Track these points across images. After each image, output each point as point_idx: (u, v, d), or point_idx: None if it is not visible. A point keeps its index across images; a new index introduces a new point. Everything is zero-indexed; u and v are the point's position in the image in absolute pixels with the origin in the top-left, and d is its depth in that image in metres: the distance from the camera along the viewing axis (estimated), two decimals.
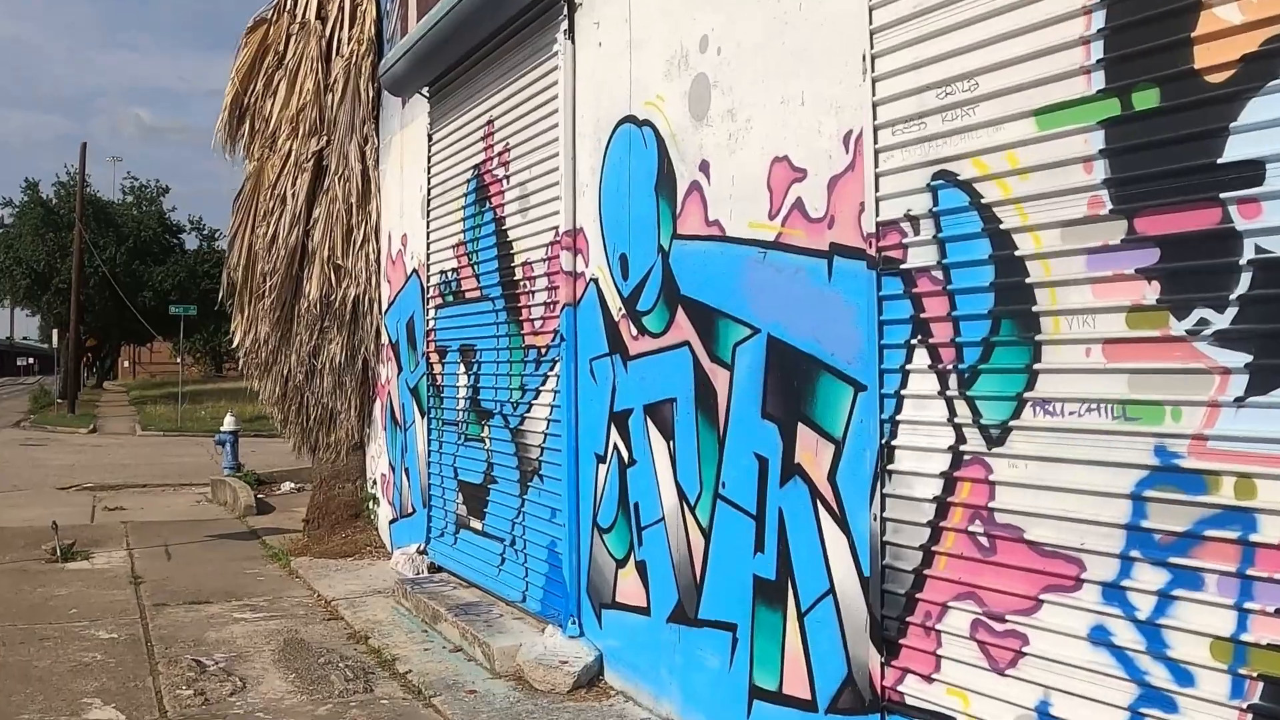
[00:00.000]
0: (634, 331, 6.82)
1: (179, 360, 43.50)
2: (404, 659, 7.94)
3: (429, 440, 10.27)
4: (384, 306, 11.90)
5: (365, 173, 11.90)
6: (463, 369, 9.56)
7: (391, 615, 9.25)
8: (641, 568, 6.81)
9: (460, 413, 9.61)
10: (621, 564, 7.05)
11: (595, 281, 7.31)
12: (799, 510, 5.36)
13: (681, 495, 6.38)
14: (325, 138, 12.07)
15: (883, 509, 4.89)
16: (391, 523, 11.76)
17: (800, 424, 5.40)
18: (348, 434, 12.33)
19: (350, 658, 8.02)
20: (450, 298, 9.84)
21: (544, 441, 8.02)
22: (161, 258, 58.23)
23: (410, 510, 11.11)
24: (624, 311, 6.94)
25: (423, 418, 10.66)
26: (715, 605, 6.07)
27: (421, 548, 10.36)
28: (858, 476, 4.97)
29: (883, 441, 4.88)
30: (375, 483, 12.29)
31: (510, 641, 7.63)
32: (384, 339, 11.90)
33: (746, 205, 5.78)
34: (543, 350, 8.04)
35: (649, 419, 6.68)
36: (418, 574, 10.21)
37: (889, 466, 4.87)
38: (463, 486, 9.61)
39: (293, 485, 17.80)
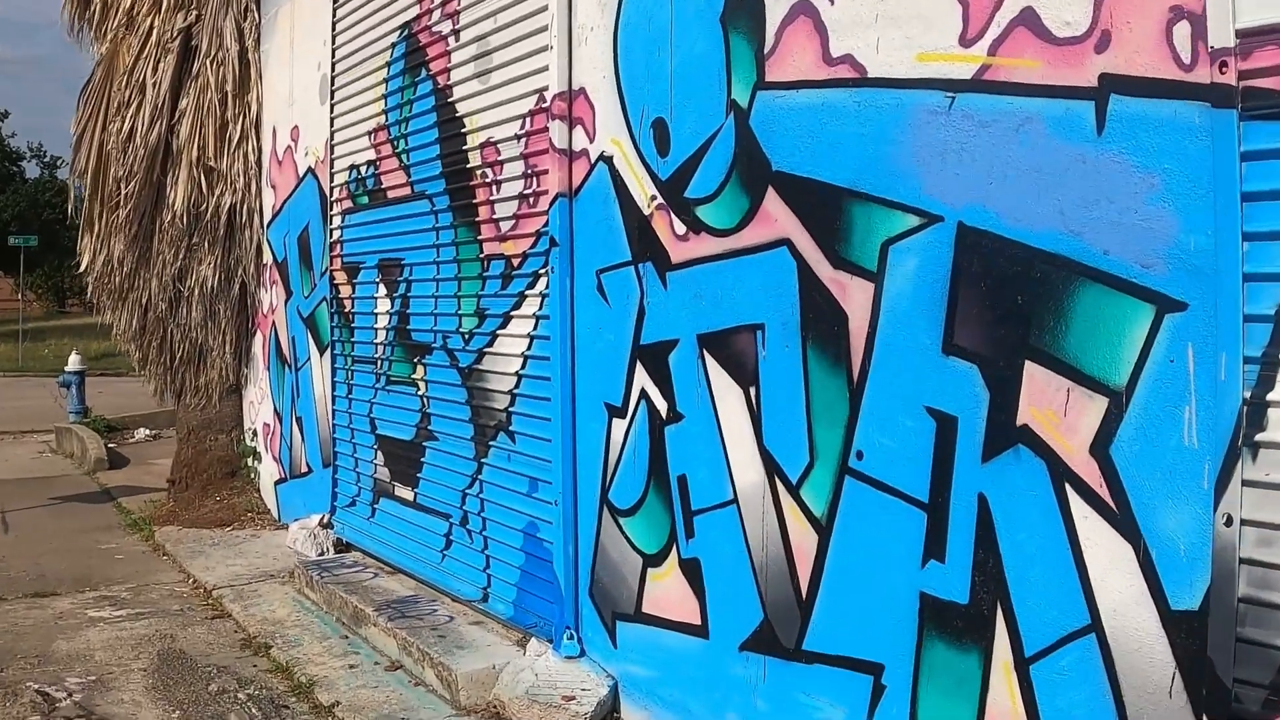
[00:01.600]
0: (679, 229, 4.51)
1: (19, 296, 39.30)
2: (325, 682, 5.55)
3: (333, 382, 7.82)
4: (267, 218, 9.22)
5: (244, 54, 9.21)
6: (383, 291, 7.05)
7: (295, 612, 6.78)
8: (691, 569, 4.53)
9: (380, 348, 7.12)
10: (654, 561, 4.76)
11: (607, 161, 4.95)
12: (1023, 499, 3.33)
13: (772, 468, 4.14)
14: (194, 12, 9.29)
15: (1241, 506, 2.69)
16: (279, 483, 9.16)
17: (1029, 363, 3.27)
18: (221, 375, 9.69)
19: (251, 680, 5.59)
20: (364, 200, 7.32)
21: (517, 387, 5.64)
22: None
23: (305, 469, 8.55)
24: (660, 201, 4.60)
25: (322, 354, 8.08)
26: (837, 633, 3.93)
27: (325, 519, 7.84)
28: (1161, 449, 2.97)
29: (1247, 395, 2.64)
30: (256, 434, 9.65)
31: (479, 663, 5.28)
32: (267, 258, 9.26)
33: (912, 27, 3.65)
34: (514, 262, 5.63)
35: (708, 355, 4.41)
36: (322, 553, 7.73)
37: (1258, 436, 2.62)
38: (384, 443, 7.13)
39: (148, 432, 15.03)
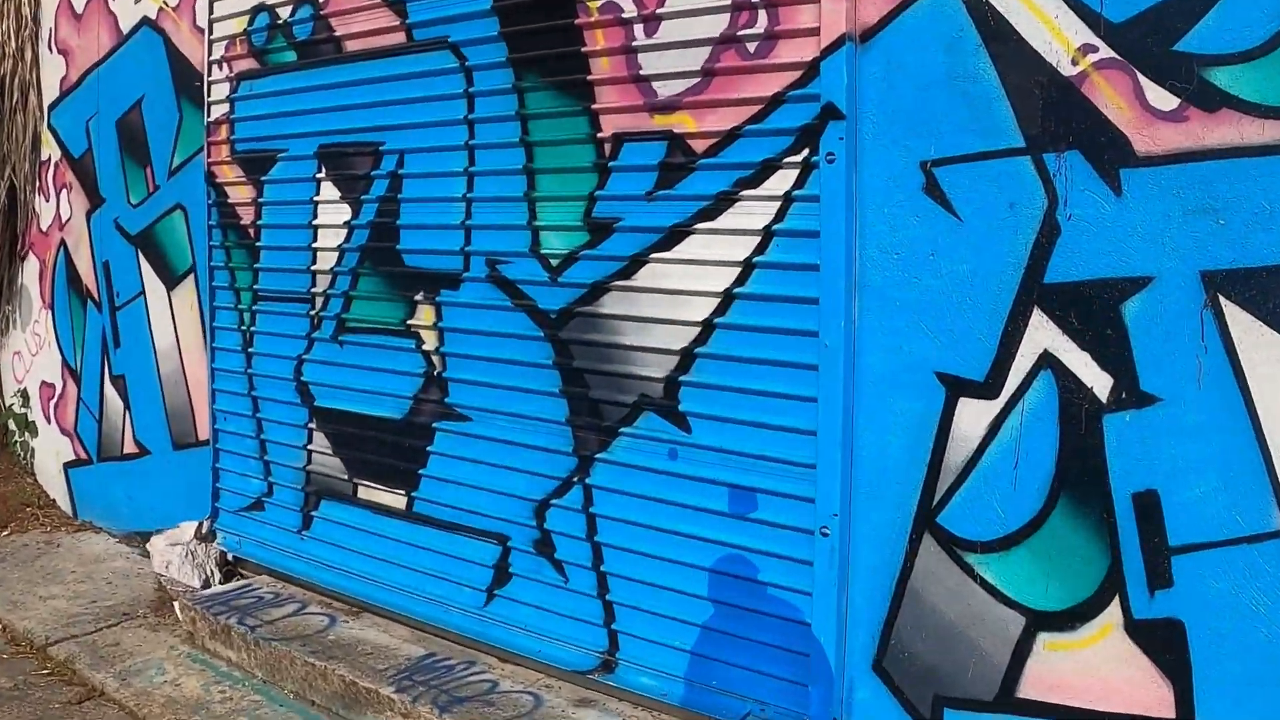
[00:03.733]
0: (1160, 102, 2.54)
1: None
2: None
3: (210, 328, 5.06)
4: (50, 96, 5.90)
5: None
6: (332, 192, 4.34)
7: (215, 684, 4.19)
8: (1157, 635, 2.53)
9: (325, 278, 4.33)
10: (1058, 622, 2.71)
11: None
12: None
13: None
14: None
15: None
16: (73, 466, 6.02)
17: None
18: None
19: None
20: (288, 57, 4.63)
21: (701, 343, 3.26)
22: None
23: (133, 450, 5.50)
24: (1109, 55, 2.51)
25: (174, 285, 5.11)
26: None
27: (205, 528, 4.88)
28: None
29: None
30: (27, 396, 6.34)
31: None
32: (51, 154, 5.95)
33: None
34: (698, 145, 3.27)
35: (1228, 306, 2.41)
36: (207, 580, 4.79)
37: None
38: (332, 421, 4.44)
39: None
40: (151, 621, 4.83)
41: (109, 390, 5.77)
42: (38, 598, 5.07)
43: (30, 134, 6.13)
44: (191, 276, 5.17)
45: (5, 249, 6.33)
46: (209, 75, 4.92)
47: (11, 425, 6.49)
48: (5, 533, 6.01)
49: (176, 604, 4.72)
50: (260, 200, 4.73)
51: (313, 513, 4.65)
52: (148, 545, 5.13)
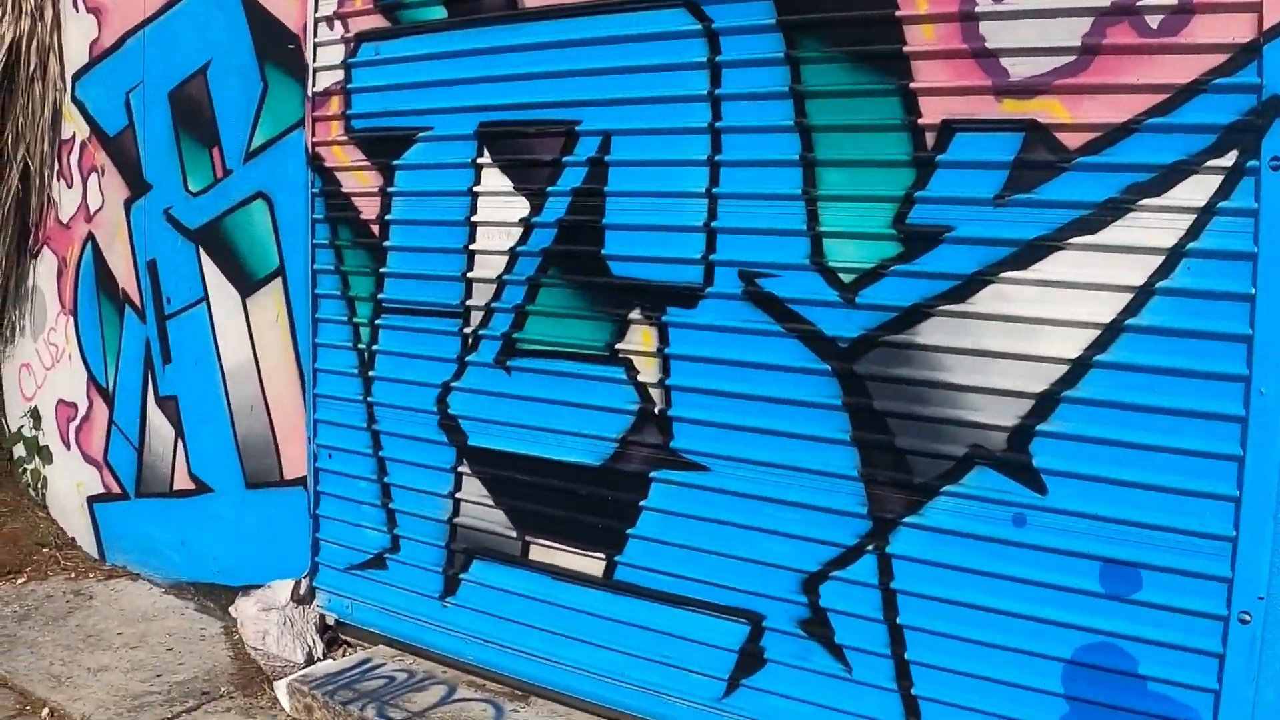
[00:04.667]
0: None
1: None
2: None
3: (313, 344, 4.06)
4: (76, 63, 4.80)
5: None
6: (499, 183, 3.31)
7: None
8: None
9: (486, 289, 3.38)
10: None
11: None
12: None
13: None
14: None
15: None
16: (99, 500, 4.91)
17: None
18: None
19: None
20: (436, 14, 3.68)
21: (1067, 385, 2.60)
22: None
23: (181, 486, 4.53)
24: None
25: (251, 291, 4.08)
26: None
27: (304, 587, 3.88)
28: None
29: None
30: (39, 417, 5.18)
31: None
32: (75, 131, 4.84)
33: None
34: (1079, 139, 2.51)
35: None
36: (310, 653, 3.82)
37: None
38: (493, 464, 3.54)
39: None
40: (242, 704, 3.83)
41: (153, 414, 4.70)
42: (85, 670, 4.03)
43: (50, 108, 4.99)
44: (278, 281, 4.15)
45: (13, 243, 5.15)
46: (314, 36, 3.90)
47: (19, 450, 5.34)
48: (21, 580, 4.89)
49: (282, 686, 3.71)
50: (390, 190, 3.74)
51: (460, 575, 3.69)
52: (233, 610, 4.10)
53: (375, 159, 3.82)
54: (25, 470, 5.39)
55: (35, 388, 5.37)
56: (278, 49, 4.12)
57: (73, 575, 5.04)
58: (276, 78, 4.15)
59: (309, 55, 3.97)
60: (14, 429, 5.44)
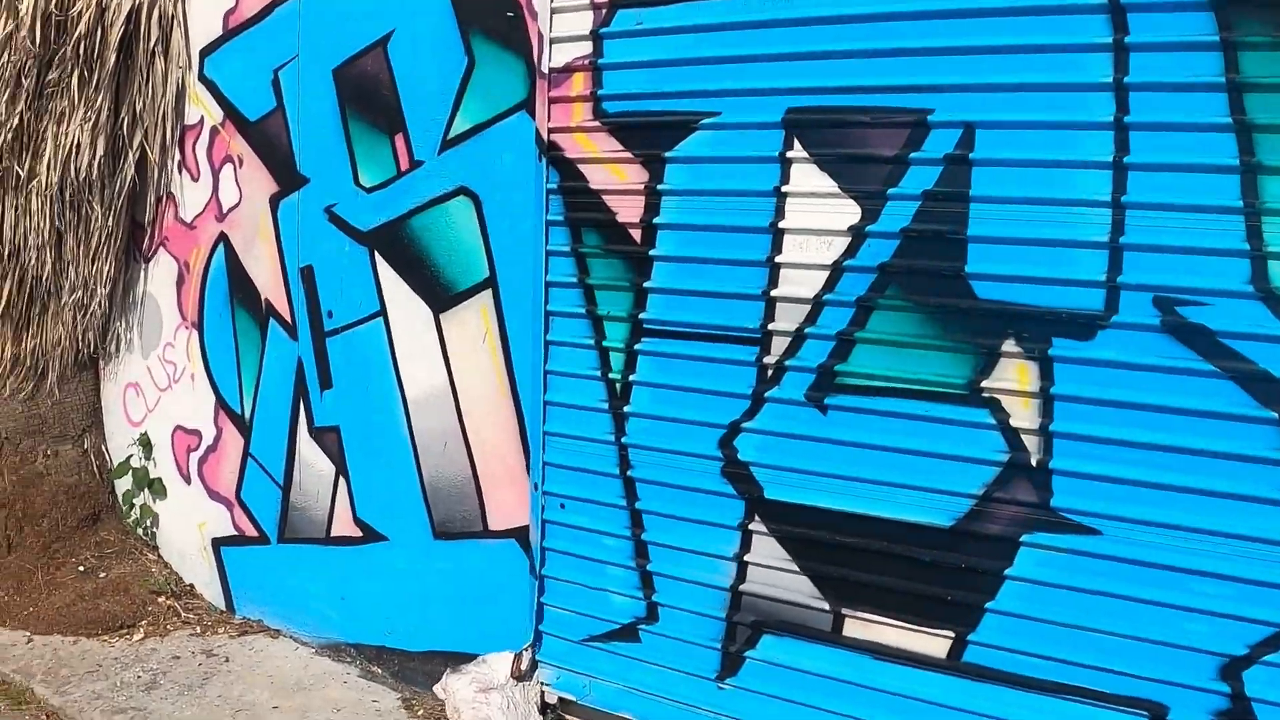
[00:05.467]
0: None
1: None
2: None
3: (544, 370, 3.31)
4: (205, 36, 4.03)
5: None
6: (820, 181, 2.60)
7: None
8: None
9: (795, 309, 2.65)
10: None
11: None
12: None
13: None
14: None
15: None
16: (228, 543, 4.09)
17: None
18: (76, 334, 4.26)
19: None
20: None
21: None
22: None
23: (342, 532, 3.78)
24: None
25: (444, 308, 3.33)
26: None
27: (524, 664, 3.10)
28: None
29: None
30: (150, 445, 4.34)
31: None
32: (204, 115, 4.06)
33: None
34: None
35: None
36: None
37: None
38: (794, 521, 2.76)
39: None
40: None
41: (306, 447, 3.90)
42: None
43: (173, 88, 4.14)
44: (486, 294, 3.39)
45: (120, 243, 4.31)
46: (550, 0, 3.10)
47: (126, 483, 4.50)
48: (139, 637, 4.10)
49: None
50: (659, 187, 2.99)
51: (745, 651, 2.96)
52: (440, 688, 3.34)
53: (638, 150, 3.05)
54: (133, 506, 4.55)
55: (145, 412, 4.53)
56: (489, 16, 3.34)
57: (198, 630, 4.23)
58: (487, 51, 3.37)
59: (542, 24, 3.17)
60: (120, 458, 4.59)
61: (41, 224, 4.30)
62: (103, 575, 4.48)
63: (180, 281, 4.38)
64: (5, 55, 4.10)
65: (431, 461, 3.65)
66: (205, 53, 4.23)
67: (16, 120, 4.18)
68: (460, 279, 3.52)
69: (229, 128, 4.15)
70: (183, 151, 4.32)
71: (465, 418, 3.56)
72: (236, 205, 4.15)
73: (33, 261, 4.34)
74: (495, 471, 3.51)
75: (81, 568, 4.51)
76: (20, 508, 4.57)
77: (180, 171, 4.33)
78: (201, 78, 4.24)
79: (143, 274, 4.53)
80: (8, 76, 4.13)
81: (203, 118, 4.24)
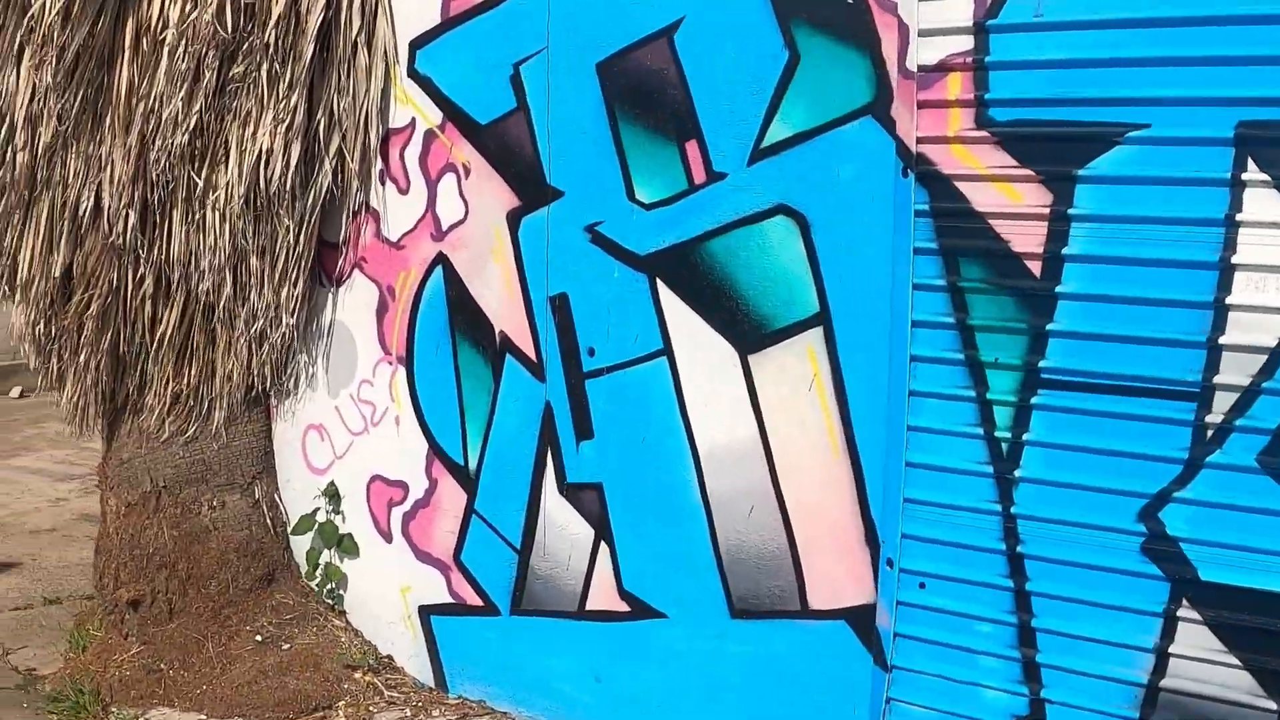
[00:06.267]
0: None
1: None
2: None
3: (903, 424, 3.20)
4: (422, 25, 3.81)
5: None
6: None
7: None
8: None
9: (1247, 360, 2.47)
10: None
11: None
12: None
13: None
14: None
15: None
16: (440, 612, 3.92)
17: None
18: (259, 364, 4.07)
19: None
20: None
21: None
22: None
23: (600, 605, 3.66)
24: None
25: (753, 346, 3.13)
26: None
27: None
28: None
29: None
30: (338, 497, 4.14)
31: None
32: (416, 118, 3.88)
33: None
34: None
35: None
36: None
37: None
38: (1248, 608, 2.47)
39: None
40: None
41: (555, 505, 3.73)
42: None
43: (378, 86, 3.94)
44: (814, 332, 3.24)
45: (302, 261, 4.11)
46: None
47: (309, 540, 4.30)
48: None
49: None
50: (1066, 212, 2.79)
51: None
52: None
53: (1039, 166, 2.87)
54: (317, 566, 4.35)
55: (331, 458, 4.34)
56: (819, 3, 3.13)
57: (407, 713, 4.06)
58: (816, 44, 3.18)
59: (905, 13, 2.98)
60: (298, 510, 4.40)
61: (218, 242, 4.09)
62: (285, 646, 4.29)
63: (381, 309, 4.18)
64: (183, 44, 3.88)
65: (730, 527, 3.46)
66: (417, 44, 4.02)
67: (194, 120, 3.96)
68: (777, 314, 3.33)
69: (451, 132, 3.94)
70: (386, 159, 4.12)
71: (780, 477, 3.37)
72: (461, 222, 3.94)
73: (205, 285, 4.13)
74: (820, 541, 3.32)
75: (259, 636, 4.32)
76: (184, 567, 4.37)
77: (383, 182, 4.13)
78: (411, 73, 4.04)
79: (331, 300, 4.33)
80: (185, 69, 3.91)
81: (414, 120, 4.04)
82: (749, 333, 3.38)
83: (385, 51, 4.02)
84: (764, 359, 3.36)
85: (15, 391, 9.50)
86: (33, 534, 5.94)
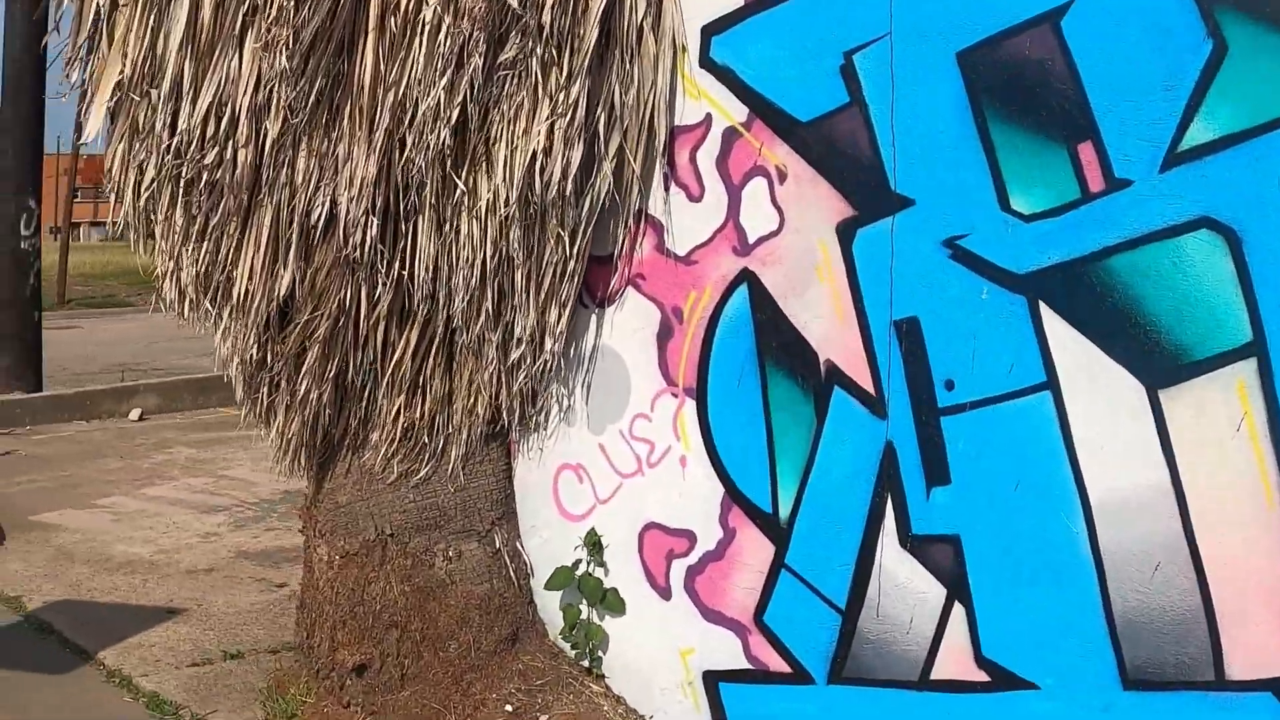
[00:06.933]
0: None
1: None
2: None
3: None
4: (716, 10, 3.66)
5: None
6: None
7: None
8: None
9: None
10: None
11: None
12: None
13: None
14: None
15: None
16: (732, 680, 3.81)
17: None
18: (509, 395, 3.88)
19: None
20: None
21: None
22: None
23: (949, 674, 3.56)
24: None
25: (1165, 380, 3.07)
26: None
27: None
28: None
29: None
30: (600, 547, 3.96)
31: None
32: (709, 113, 3.72)
33: None
34: None
35: None
36: None
37: None
38: None
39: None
40: None
41: (895, 560, 3.57)
42: None
43: (666, 76, 3.77)
44: (1245, 365, 3.06)
45: (574, 278, 3.94)
46: None
47: (563, 598, 4.10)
48: None
49: None
50: None
51: None
52: None
53: None
54: (575, 625, 4.16)
55: (593, 503, 4.16)
56: None
57: None
58: (1247, 34, 3.02)
59: None
60: (549, 560, 4.21)
61: (475, 256, 3.91)
62: (543, 718, 4.10)
63: (664, 333, 4.00)
64: (445, 26, 3.70)
65: (1128, 586, 3.29)
66: (712, 30, 3.85)
67: (456, 114, 3.78)
68: (1198, 343, 3.15)
69: (759, 130, 3.77)
70: (672, 161, 3.94)
71: (1197, 531, 3.19)
72: (774, 234, 3.76)
73: (458, 304, 3.94)
74: (1244, 603, 3.14)
75: (509, 706, 4.13)
76: (417, 627, 4.18)
77: (668, 187, 3.95)
78: (705, 63, 3.86)
79: (594, 322, 4.14)
80: (446, 53, 3.73)
81: (709, 116, 3.86)
82: (1160, 364, 3.21)
83: (673, 37, 3.84)
84: (1178, 394, 3.19)
85: (135, 414, 9.37)
86: (190, 574, 5.76)
